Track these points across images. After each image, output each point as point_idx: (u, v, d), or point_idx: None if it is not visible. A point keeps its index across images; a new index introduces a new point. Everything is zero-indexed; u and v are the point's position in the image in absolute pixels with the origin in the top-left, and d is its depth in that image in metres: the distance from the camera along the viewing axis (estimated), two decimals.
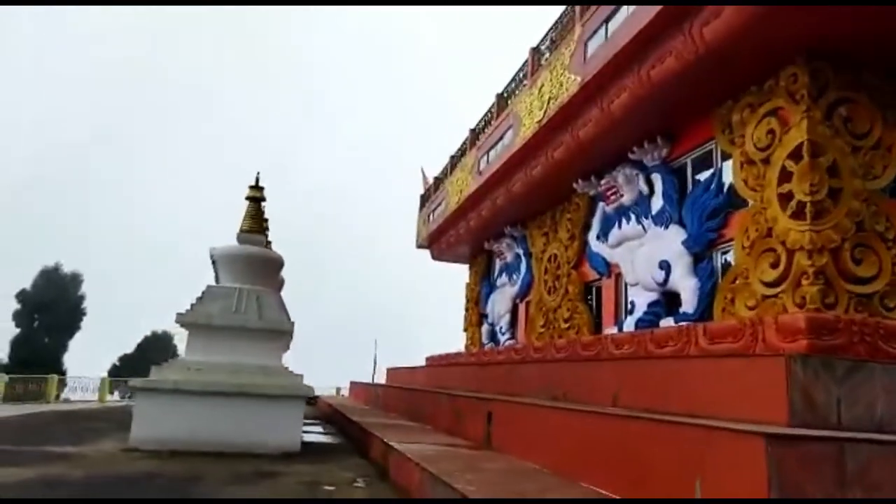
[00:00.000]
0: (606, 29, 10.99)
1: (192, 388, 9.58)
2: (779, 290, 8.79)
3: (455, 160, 20.89)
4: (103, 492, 7.17)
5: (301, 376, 10.29)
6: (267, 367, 10.07)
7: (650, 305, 11.86)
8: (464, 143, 19.98)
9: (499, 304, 19.98)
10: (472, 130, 19.05)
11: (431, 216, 23.42)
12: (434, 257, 25.07)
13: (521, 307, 18.56)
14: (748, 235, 9.50)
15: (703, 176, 11.13)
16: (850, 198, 8.53)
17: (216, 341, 10.03)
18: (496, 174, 16.29)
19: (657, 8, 9.37)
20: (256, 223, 11.15)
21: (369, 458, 9.69)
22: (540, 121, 13.31)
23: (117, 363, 54.15)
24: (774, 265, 8.93)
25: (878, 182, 8.79)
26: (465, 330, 23.61)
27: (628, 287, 12.81)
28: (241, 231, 11.02)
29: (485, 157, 17.27)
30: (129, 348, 55.52)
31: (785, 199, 8.82)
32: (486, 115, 17.92)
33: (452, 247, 22.52)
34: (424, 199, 25.17)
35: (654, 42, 9.82)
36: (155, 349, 54.63)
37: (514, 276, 18.82)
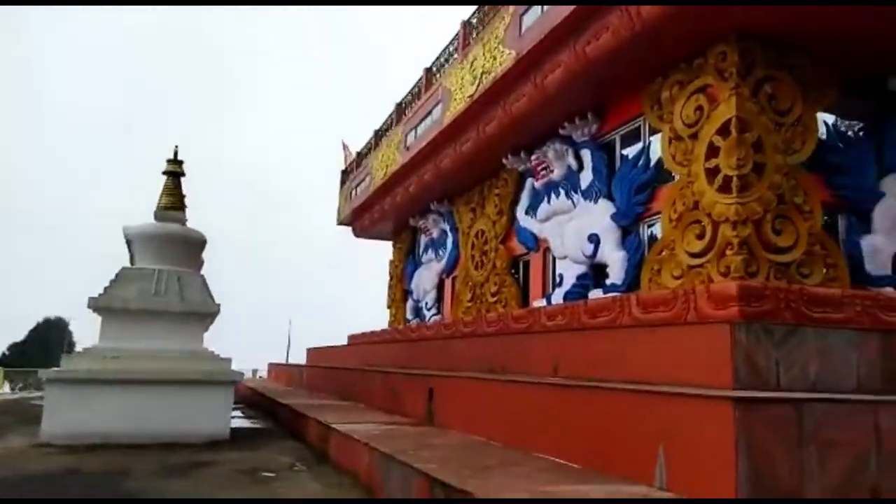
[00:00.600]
0: (542, 3, 10.93)
1: (108, 377, 8.91)
2: (704, 260, 9.14)
3: (380, 135, 20.48)
4: (19, 492, 6.54)
5: (229, 360, 9.80)
6: (191, 352, 9.51)
7: (579, 278, 12.09)
8: (389, 117, 19.59)
9: (424, 280, 19.90)
10: (399, 105, 18.68)
11: (354, 192, 22.94)
12: (356, 234, 24.63)
13: (448, 283, 18.57)
14: (675, 208, 9.81)
15: (632, 151, 11.38)
16: (772, 172, 8.94)
17: (134, 326, 9.35)
18: (425, 149, 16.08)
19: None
20: (175, 199, 10.42)
21: (305, 441, 9.40)
22: (472, 95, 13.18)
23: (6, 352, 50.42)
24: (700, 236, 9.28)
25: (797, 157, 9.26)
26: (389, 307, 23.45)
27: (557, 261, 13.00)
28: (159, 208, 10.27)
29: (412, 132, 17.00)
30: (20, 336, 51.73)
31: (712, 173, 9.14)
32: (413, 89, 17.60)
33: (376, 223, 22.17)
34: (346, 175, 24.59)
35: (591, 18, 9.86)
36: (49, 336, 51.31)
37: (441, 252, 18.77)
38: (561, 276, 12.61)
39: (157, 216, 10.20)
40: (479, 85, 12.98)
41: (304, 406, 10.99)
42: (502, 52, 12.10)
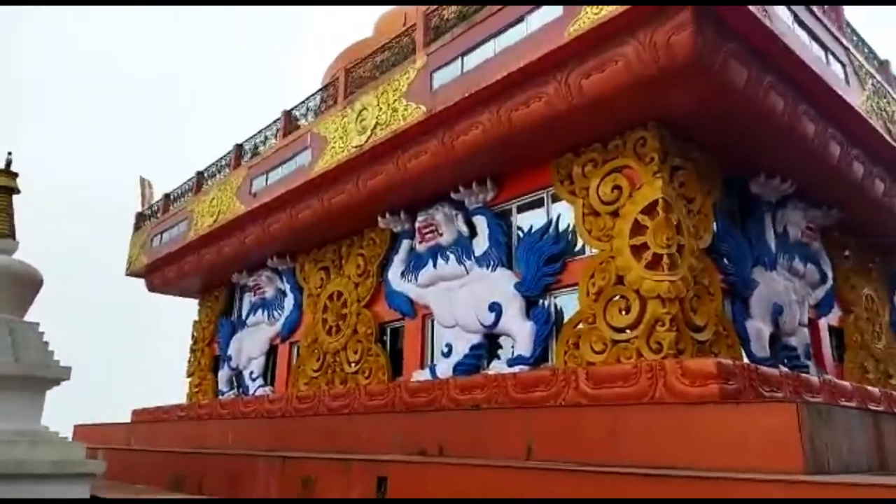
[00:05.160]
0: (462, 62, 10.66)
1: None
2: (631, 335, 9.25)
3: (206, 177, 18.08)
4: None
5: (81, 446, 7.19)
6: (31, 433, 6.78)
7: (473, 348, 11.52)
8: (222, 158, 17.44)
9: (249, 345, 17.55)
10: (240, 146, 16.74)
11: (158, 239, 19.74)
12: (151, 288, 21.11)
13: (283, 349, 16.58)
14: (594, 282, 9.89)
15: (534, 221, 11.37)
16: (688, 254, 9.51)
17: None
18: (279, 198, 14.44)
19: (538, 50, 9.36)
20: (5, 224, 7.64)
21: None
22: (360, 146, 12.23)
23: None
24: (625, 311, 9.41)
25: (702, 242, 10.02)
26: (190, 375, 20.24)
27: (443, 329, 12.28)
28: None
29: (262, 178, 15.23)
30: None
31: (638, 250, 9.42)
32: (264, 131, 15.93)
33: (185, 276, 19.18)
34: (144, 218, 21.18)
35: (524, 84, 9.78)
36: None
37: (276, 314, 16.78)
38: (450, 346, 11.89)
39: None
40: (370, 136, 12.13)
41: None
42: (406, 105, 11.48)
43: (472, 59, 10.56)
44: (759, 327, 10.47)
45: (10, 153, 8.02)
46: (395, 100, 11.75)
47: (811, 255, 12.21)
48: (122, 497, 8.87)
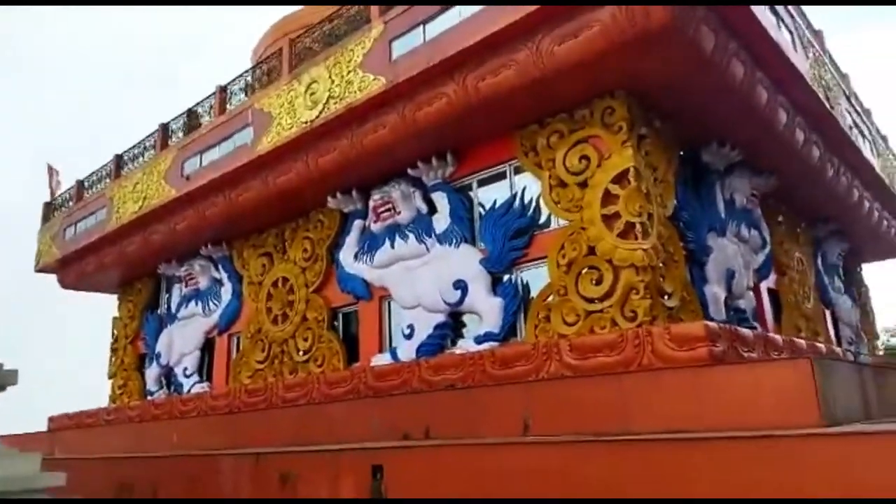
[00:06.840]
0: (424, 30, 10.23)
1: None
2: (605, 304, 9.25)
3: (126, 160, 16.67)
4: None
5: (36, 457, 6.31)
6: None
7: (437, 328, 11.21)
8: (146, 139, 16.12)
9: (181, 339, 16.44)
10: (165, 126, 15.51)
11: (72, 230, 18.09)
12: (65, 284, 19.37)
13: (222, 342, 15.61)
14: (563, 254, 9.80)
15: (499, 196, 11.14)
16: (657, 222, 9.60)
17: None
18: (216, 181, 13.49)
19: (508, 17, 9.08)
20: None
21: None
22: (310, 122, 11.55)
23: None
24: (598, 282, 9.38)
25: (666, 210, 10.15)
26: (112, 377, 18.76)
27: (403, 310, 11.88)
28: None
29: (195, 159, 14.19)
30: None
31: (609, 220, 9.40)
32: (194, 108, 14.82)
33: (105, 269, 17.67)
34: (54, 208, 19.37)
35: (493, 52, 9.49)
36: None
37: (212, 305, 15.76)
38: (412, 327, 11.51)
39: None
40: (322, 111, 11.47)
41: None
42: (362, 77, 10.92)
43: (436, 27, 10.16)
44: (715, 292, 10.77)
45: None
46: (350, 71, 11.16)
47: (754, 221, 12.69)
48: None
